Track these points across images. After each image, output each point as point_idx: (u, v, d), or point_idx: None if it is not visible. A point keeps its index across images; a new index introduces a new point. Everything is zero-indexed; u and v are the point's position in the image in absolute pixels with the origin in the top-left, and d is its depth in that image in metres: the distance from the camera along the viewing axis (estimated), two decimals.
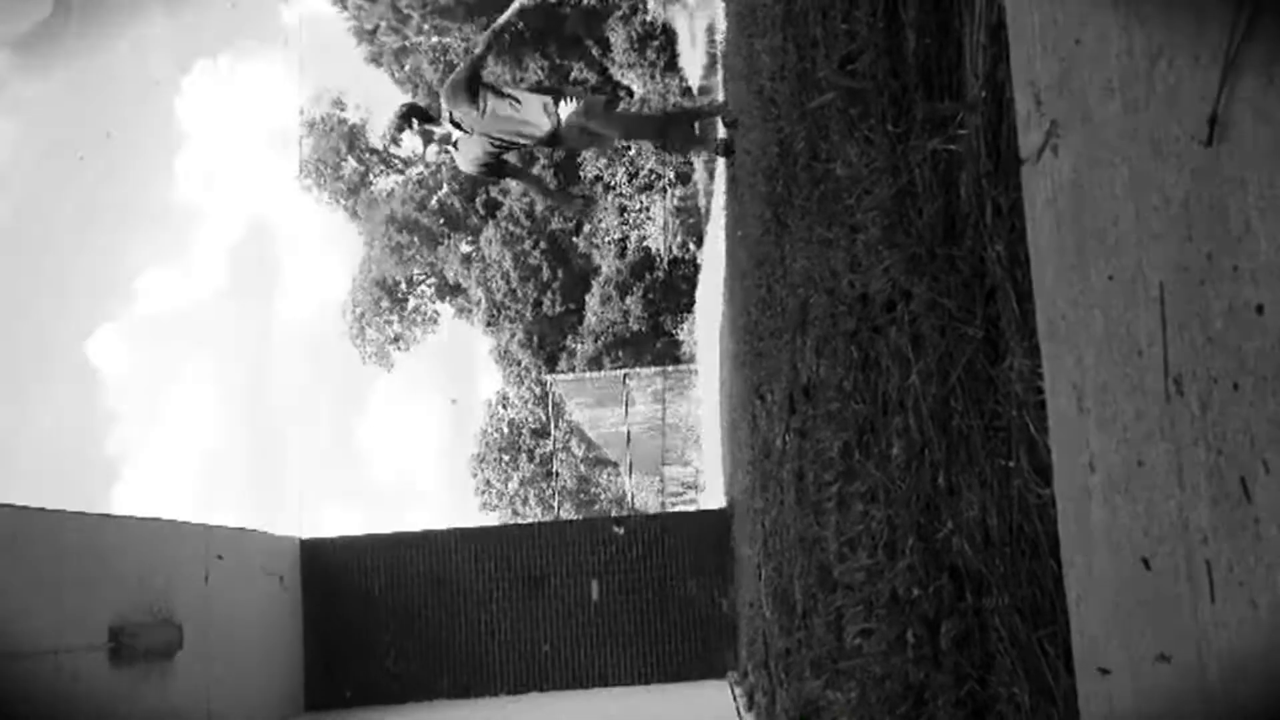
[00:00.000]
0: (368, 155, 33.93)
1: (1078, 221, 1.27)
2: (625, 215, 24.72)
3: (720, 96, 10.19)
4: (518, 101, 7.43)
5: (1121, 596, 1.19)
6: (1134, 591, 1.16)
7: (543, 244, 28.25)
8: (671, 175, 22.32)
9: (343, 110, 33.66)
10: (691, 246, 22.07)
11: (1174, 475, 1.07)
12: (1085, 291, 1.25)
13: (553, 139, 7.51)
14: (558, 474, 33.90)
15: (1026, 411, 1.55)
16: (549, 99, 7.44)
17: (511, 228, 28.42)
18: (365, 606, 11.05)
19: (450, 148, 7.65)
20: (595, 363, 26.91)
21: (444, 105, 7.51)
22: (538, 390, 32.78)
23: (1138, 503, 1.15)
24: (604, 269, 26.86)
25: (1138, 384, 1.14)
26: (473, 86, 7.37)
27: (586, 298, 27.71)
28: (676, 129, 7.99)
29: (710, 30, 12.15)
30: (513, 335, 30.88)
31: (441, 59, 28.58)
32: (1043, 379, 1.42)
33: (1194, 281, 1.02)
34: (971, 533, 1.80)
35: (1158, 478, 1.11)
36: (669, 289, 25.77)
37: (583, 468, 35.06)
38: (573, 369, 27.60)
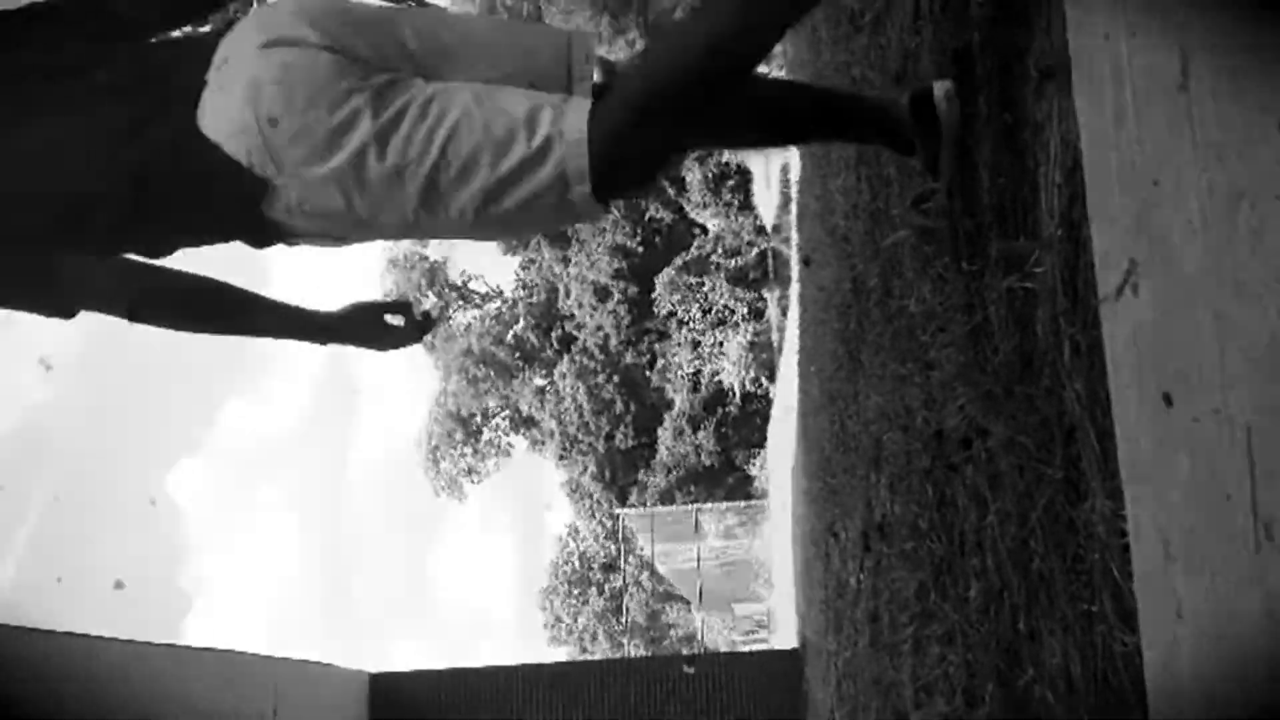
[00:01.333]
0: (447, 290, 34.65)
1: (1159, 362, 1.25)
2: (698, 350, 24.86)
3: (793, 235, 10.33)
4: None
5: None
6: None
7: (616, 378, 28.44)
8: (745, 310, 22.47)
9: (424, 246, 34.54)
10: (764, 381, 22.10)
11: (1265, 624, 1.03)
12: (1169, 433, 1.23)
13: None
14: (628, 609, 33.54)
15: (1110, 555, 1.51)
16: None
17: (586, 361, 28.69)
18: None
19: None
20: (667, 497, 26.79)
21: None
22: (609, 524, 32.66)
23: (1228, 653, 1.10)
24: (677, 403, 26.94)
25: (1226, 529, 1.10)
26: None
27: (659, 431, 27.74)
28: None
29: (785, 170, 12.38)
30: (585, 468, 30.91)
31: None
32: (1126, 521, 1.38)
33: None
34: (1054, 680, 1.74)
35: (1249, 627, 1.06)
36: (741, 424, 25.74)
37: (652, 603, 34.67)
38: (644, 503, 27.49)
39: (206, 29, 1.92)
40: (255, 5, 1.92)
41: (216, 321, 2.03)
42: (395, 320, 2.09)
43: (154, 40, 1.90)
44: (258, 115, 1.66)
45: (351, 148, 1.66)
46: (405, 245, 34.09)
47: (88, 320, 1.96)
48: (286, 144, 1.67)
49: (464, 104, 1.69)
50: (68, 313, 1.88)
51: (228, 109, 1.68)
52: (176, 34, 1.95)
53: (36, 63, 1.76)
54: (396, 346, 2.08)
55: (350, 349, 2.08)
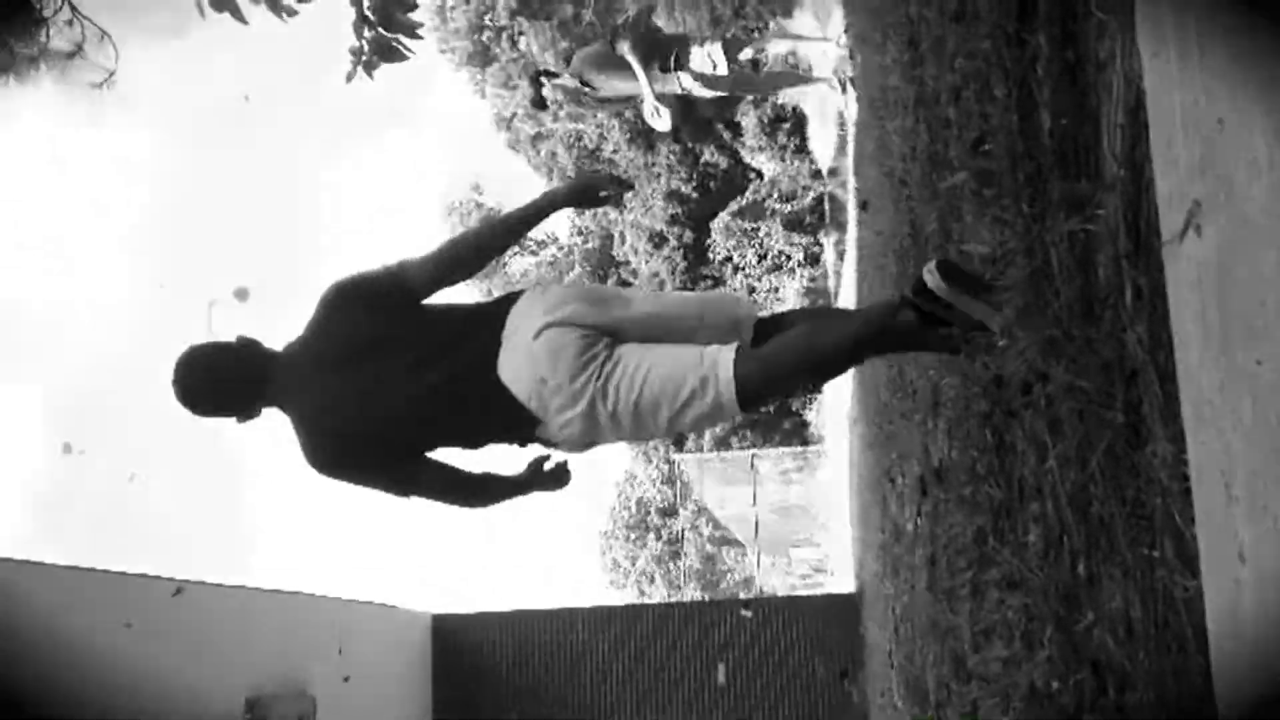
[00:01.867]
0: None
1: (1223, 303, 1.23)
2: (754, 295, 24.77)
3: (850, 179, 10.23)
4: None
5: (1274, 696, 1.13)
6: None
7: None
8: (801, 256, 22.30)
9: (480, 194, 34.58)
10: None
11: None
12: (1232, 376, 1.21)
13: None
14: (685, 554, 33.71)
15: (1171, 499, 1.50)
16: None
17: None
18: (493, 683, 11.10)
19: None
20: (723, 443, 26.81)
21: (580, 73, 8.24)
22: (665, 469, 32.74)
23: None
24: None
25: None
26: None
27: None
28: None
29: (841, 113, 12.23)
30: None
31: (576, 144, 29.19)
32: (1188, 465, 1.37)
33: None
34: (1114, 625, 1.74)
35: None
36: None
37: (709, 547, 34.81)
38: (701, 448, 27.52)
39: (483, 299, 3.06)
40: (537, 287, 2.87)
41: (470, 499, 2.98)
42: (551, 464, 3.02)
43: (440, 308, 2.87)
44: (534, 375, 2.62)
45: (586, 400, 2.62)
46: (461, 193, 34.24)
47: None
48: (550, 395, 2.63)
49: (651, 360, 2.66)
50: (406, 495, 2.94)
51: (517, 366, 2.65)
52: (461, 302, 2.98)
53: (379, 338, 2.79)
54: (559, 486, 3.05)
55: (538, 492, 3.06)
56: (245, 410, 2.91)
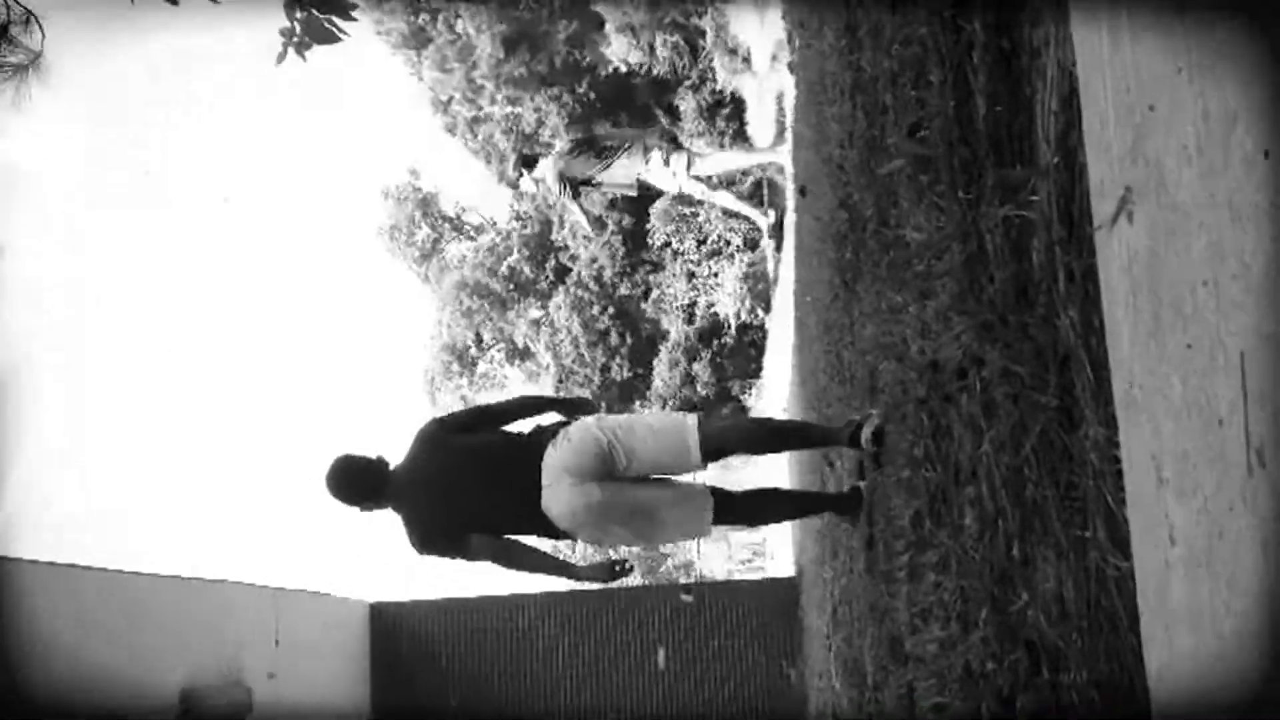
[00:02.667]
0: (440, 222, 34.45)
1: (1154, 289, 1.25)
2: (694, 281, 24.80)
3: (788, 164, 10.37)
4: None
5: (1203, 673, 1.15)
6: (1216, 668, 1.12)
7: (611, 309, 28.39)
8: (740, 241, 22.37)
9: (417, 179, 34.27)
10: (760, 312, 22.07)
11: (1257, 549, 1.04)
12: (1163, 360, 1.23)
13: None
14: None
15: (1103, 481, 1.52)
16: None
17: (580, 293, 28.62)
18: (433, 671, 11.04)
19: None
20: None
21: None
22: None
23: (1219, 577, 1.12)
24: (672, 334, 26.92)
25: (1219, 454, 1.11)
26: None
27: (654, 363, 27.74)
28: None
29: (779, 98, 12.27)
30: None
31: (514, 128, 29.03)
32: (1119, 448, 1.39)
33: (1275, 350, 1.00)
34: (1048, 605, 1.76)
35: (1240, 551, 1.08)
36: (737, 354, 25.74)
37: None
38: None
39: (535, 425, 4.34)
40: (563, 433, 4.16)
41: (522, 568, 4.29)
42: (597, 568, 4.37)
43: (493, 441, 4.28)
44: (569, 526, 4.08)
45: (608, 530, 4.12)
46: (399, 178, 33.91)
47: None
48: (579, 526, 4.09)
49: (635, 493, 4.15)
50: (471, 558, 4.32)
51: (557, 504, 4.00)
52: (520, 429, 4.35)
53: (449, 466, 4.22)
54: (609, 579, 4.32)
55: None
56: (366, 507, 4.35)
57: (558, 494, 3.99)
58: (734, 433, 4.53)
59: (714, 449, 4.09)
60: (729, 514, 4.28)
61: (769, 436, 4.79)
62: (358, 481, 4.28)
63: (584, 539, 4.30)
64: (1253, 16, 1.05)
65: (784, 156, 10.82)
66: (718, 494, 4.21)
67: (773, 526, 17.52)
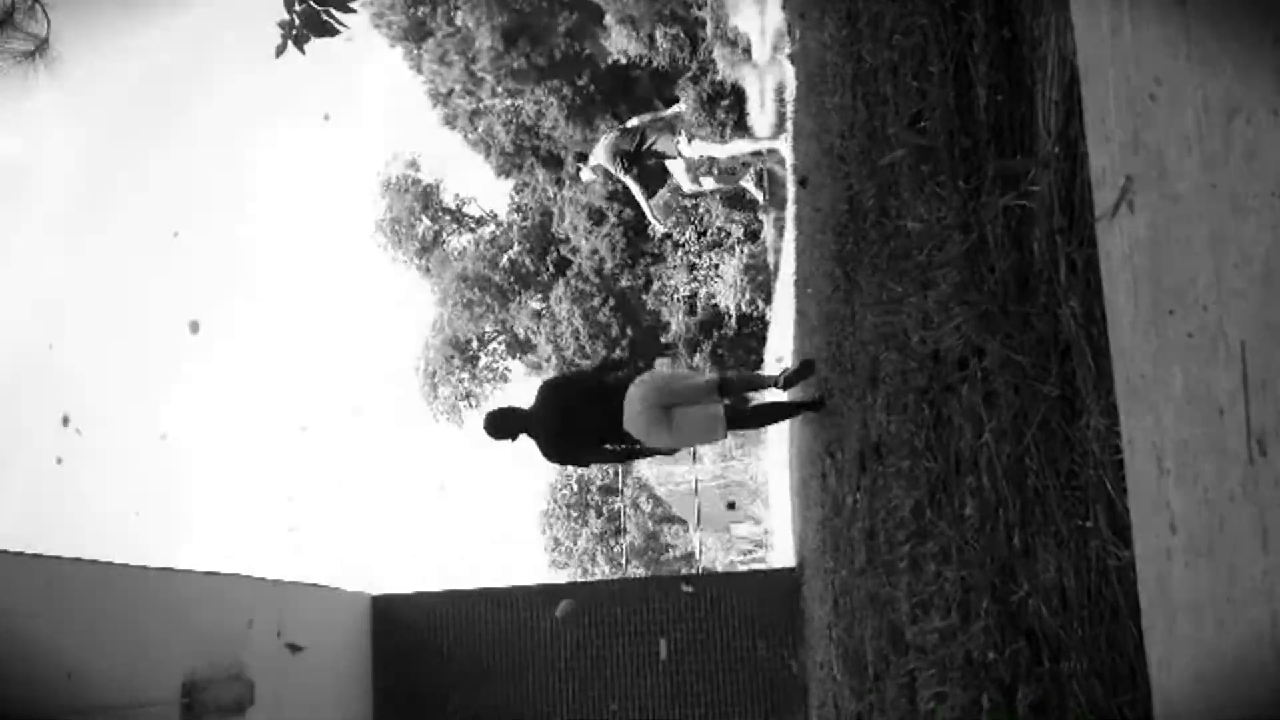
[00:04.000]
0: (441, 214, 34.45)
1: (1155, 278, 1.25)
2: (694, 272, 24.80)
3: (789, 155, 10.51)
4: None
5: (1204, 663, 1.15)
6: (1217, 657, 1.12)
7: (612, 301, 28.39)
8: (740, 232, 22.36)
9: (417, 171, 34.24)
10: (760, 303, 22.08)
11: (1258, 538, 1.04)
12: (1164, 349, 1.23)
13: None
14: (626, 531, 33.80)
15: (1104, 471, 1.52)
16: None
17: (581, 285, 28.61)
18: (434, 664, 11.05)
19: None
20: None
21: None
22: None
23: (1220, 566, 1.12)
24: (673, 326, 26.93)
25: (1219, 444, 1.11)
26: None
27: (655, 355, 27.79)
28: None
29: (779, 89, 12.26)
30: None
31: (514, 121, 28.99)
32: (1121, 438, 1.39)
33: (1276, 339, 1.00)
34: (1048, 595, 1.76)
35: (1241, 540, 1.08)
36: (737, 346, 25.75)
37: (651, 525, 34.91)
38: None
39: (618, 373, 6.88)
40: (635, 381, 6.43)
41: (609, 462, 7.52)
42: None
43: (597, 385, 6.52)
44: (634, 428, 6.19)
45: (661, 436, 6.31)
46: (399, 168, 33.87)
47: None
48: (643, 435, 6.24)
49: (677, 414, 6.31)
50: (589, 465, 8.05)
51: (633, 423, 6.16)
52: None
53: (564, 408, 6.42)
54: (670, 454, 7.43)
55: None
56: (514, 439, 6.47)
57: (632, 417, 6.17)
58: (745, 402, 7.94)
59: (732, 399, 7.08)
60: (737, 424, 6.83)
61: (766, 408, 8.53)
62: (505, 423, 6.48)
63: (648, 442, 6.30)
64: (1253, 6, 1.05)
65: (784, 145, 11.68)
66: (728, 411, 6.47)
67: (774, 516, 17.64)
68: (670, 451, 6.74)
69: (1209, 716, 1.14)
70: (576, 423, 6.39)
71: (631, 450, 6.50)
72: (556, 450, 6.58)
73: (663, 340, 27.06)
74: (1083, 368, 1.61)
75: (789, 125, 10.64)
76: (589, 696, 10.98)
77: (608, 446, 6.53)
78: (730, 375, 9.85)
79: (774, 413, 8.08)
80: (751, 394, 9.96)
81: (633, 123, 11.58)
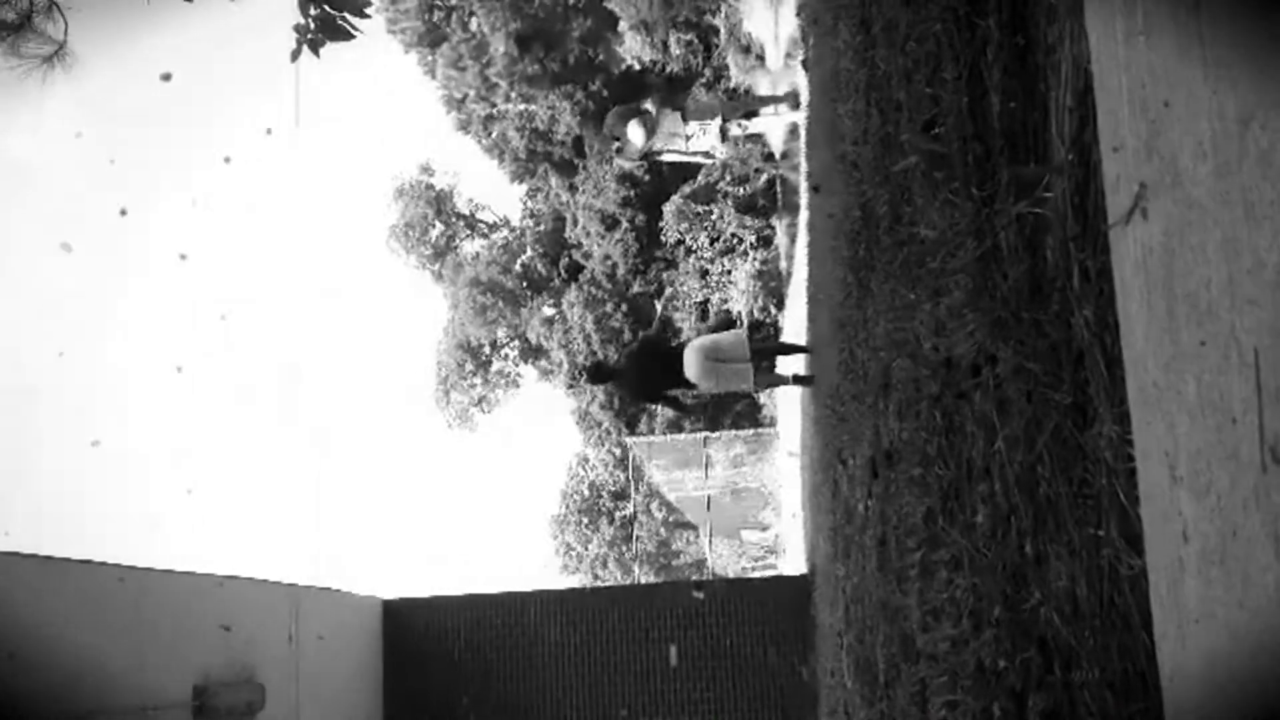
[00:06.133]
0: (454, 219, 34.52)
1: (1168, 285, 1.24)
2: (706, 278, 24.80)
3: (802, 162, 10.67)
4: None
5: (1216, 671, 1.15)
6: (1229, 667, 1.12)
7: (624, 306, 28.42)
8: (753, 238, 22.37)
9: (430, 176, 34.32)
10: (772, 309, 22.08)
11: (1271, 546, 1.04)
12: (1177, 357, 1.23)
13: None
14: (638, 537, 33.79)
15: (1117, 479, 1.52)
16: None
17: (593, 290, 28.65)
18: (445, 668, 11.05)
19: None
20: (675, 425, 26.89)
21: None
22: (618, 453, 32.75)
23: (1233, 575, 1.11)
24: (685, 332, 26.95)
25: (1232, 452, 1.11)
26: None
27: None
28: None
29: (794, 95, 12.30)
30: (594, 398, 30.98)
31: (527, 126, 29.04)
32: (1133, 446, 1.39)
33: None
34: (1060, 603, 1.76)
35: (1254, 549, 1.07)
36: (750, 352, 25.80)
37: (662, 531, 34.91)
38: (653, 431, 27.58)
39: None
40: (698, 336, 9.89)
41: (676, 408, 13.36)
42: None
43: (667, 348, 9.84)
44: (690, 374, 8.98)
45: (712, 383, 9.35)
46: (411, 174, 33.94)
47: None
48: (699, 381, 9.12)
49: (722, 367, 9.22)
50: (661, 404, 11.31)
51: (690, 365, 8.99)
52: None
53: (646, 365, 9.57)
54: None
55: None
56: (605, 384, 15.55)
57: (690, 364, 8.68)
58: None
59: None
60: (761, 356, 9.56)
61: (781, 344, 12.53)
62: (598, 373, 10.14)
63: (701, 385, 8.85)
64: (1268, 12, 1.05)
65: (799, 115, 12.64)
66: (754, 361, 8.94)
67: (784, 519, 17.82)
68: (714, 394, 10.34)
69: None
70: (652, 373, 9.14)
71: (683, 398, 9.28)
72: (640, 391, 9.77)
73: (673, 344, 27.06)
74: (1095, 375, 1.60)
75: (802, 132, 10.65)
76: (599, 702, 10.97)
77: (672, 393, 9.38)
78: (759, 339, 14.57)
79: (787, 348, 10.95)
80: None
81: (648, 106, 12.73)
